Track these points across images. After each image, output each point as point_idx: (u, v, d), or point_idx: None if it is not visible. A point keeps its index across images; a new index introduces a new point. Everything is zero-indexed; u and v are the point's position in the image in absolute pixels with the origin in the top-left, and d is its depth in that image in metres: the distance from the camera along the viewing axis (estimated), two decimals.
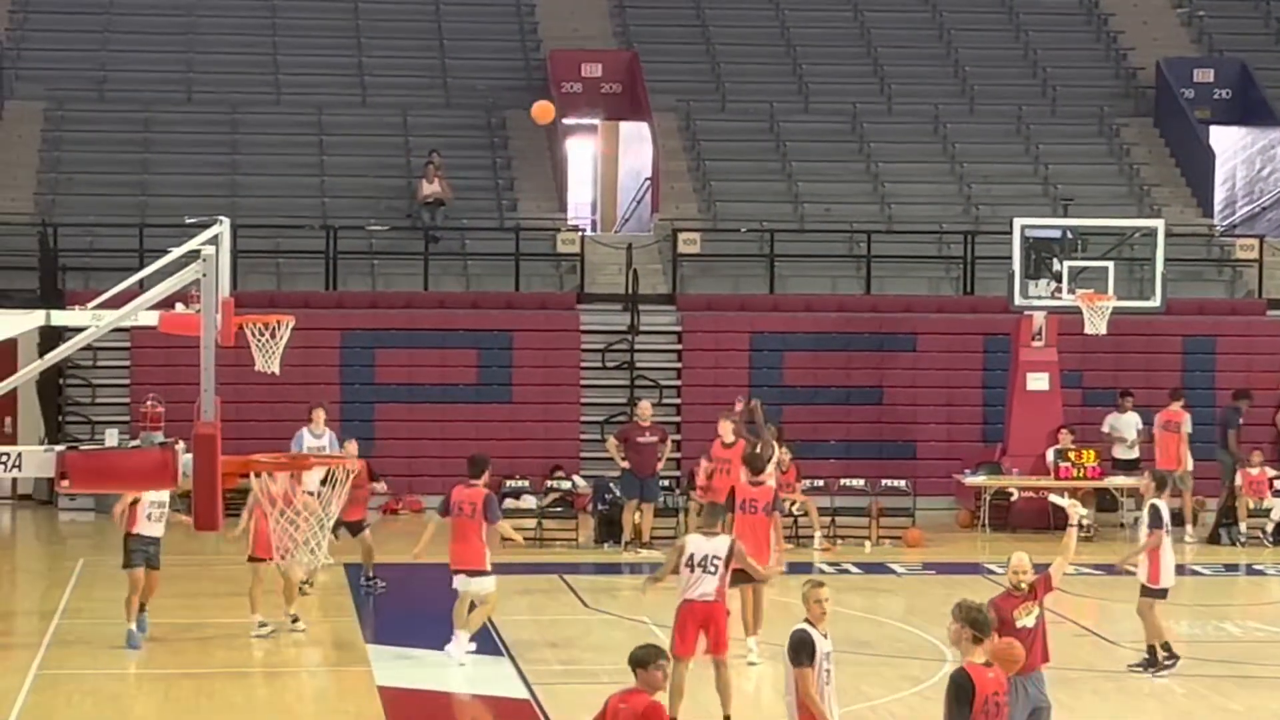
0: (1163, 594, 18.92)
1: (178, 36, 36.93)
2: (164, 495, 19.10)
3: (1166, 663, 18.81)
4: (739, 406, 26.79)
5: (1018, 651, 13.86)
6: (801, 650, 12.52)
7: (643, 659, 11.38)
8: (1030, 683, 14.16)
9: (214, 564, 22.25)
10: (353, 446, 23.24)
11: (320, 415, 24.59)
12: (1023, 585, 14.44)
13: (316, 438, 24.44)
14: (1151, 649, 18.92)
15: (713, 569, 16.16)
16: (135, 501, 19.31)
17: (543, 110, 17.06)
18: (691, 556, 16.27)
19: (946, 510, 29.75)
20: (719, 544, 16.29)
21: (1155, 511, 18.89)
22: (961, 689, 11.13)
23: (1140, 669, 18.89)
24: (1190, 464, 28.31)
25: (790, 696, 12.66)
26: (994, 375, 30.89)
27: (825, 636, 12.72)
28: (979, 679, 11.17)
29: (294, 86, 36.08)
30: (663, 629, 20.10)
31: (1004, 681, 11.37)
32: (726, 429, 25.09)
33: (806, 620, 12.79)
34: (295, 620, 20.55)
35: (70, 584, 23.51)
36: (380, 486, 25.06)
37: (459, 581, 18.87)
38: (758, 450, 21.57)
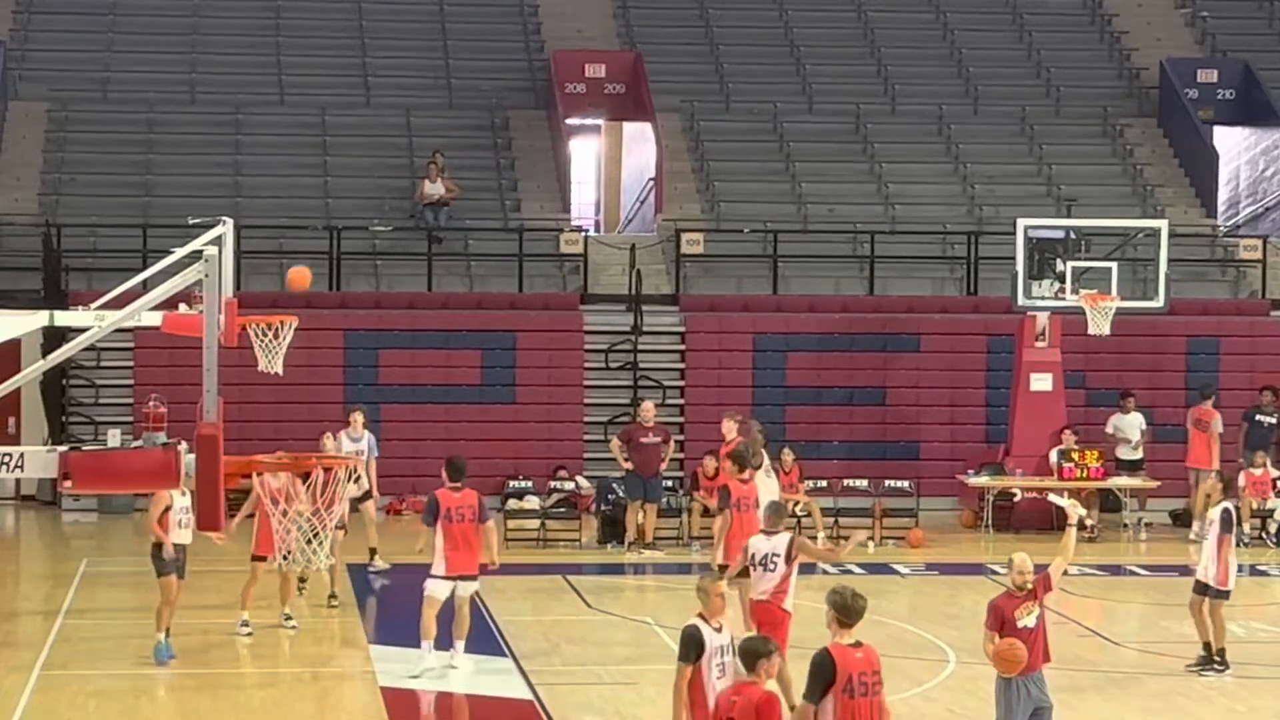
0: (1226, 595, 19.06)
1: (181, 37, 36.94)
2: (188, 500, 18.83)
3: (1218, 666, 18.95)
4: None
5: (1020, 652, 13.91)
6: (689, 645, 12.45)
7: (763, 651, 11.24)
8: (1032, 683, 14.16)
9: (217, 565, 22.22)
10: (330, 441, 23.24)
11: (359, 419, 24.50)
12: (1026, 585, 14.45)
13: (354, 441, 24.31)
14: (1208, 646, 19.05)
15: (772, 566, 16.29)
16: (166, 509, 18.85)
17: (299, 277, 16.78)
18: (754, 556, 16.39)
19: (950, 511, 29.76)
20: (778, 542, 16.43)
21: (1227, 515, 18.92)
22: (820, 666, 11.39)
23: (1197, 669, 18.99)
24: (1218, 463, 28.30)
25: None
26: (997, 376, 30.88)
27: (719, 630, 12.65)
28: (842, 658, 11.40)
29: (297, 87, 36.09)
30: (666, 630, 20.15)
31: (874, 662, 11.53)
32: (730, 428, 25.17)
33: (700, 615, 12.71)
34: (288, 618, 20.56)
35: (73, 585, 23.52)
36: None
37: (447, 588, 18.42)
38: (747, 450, 21.59)
